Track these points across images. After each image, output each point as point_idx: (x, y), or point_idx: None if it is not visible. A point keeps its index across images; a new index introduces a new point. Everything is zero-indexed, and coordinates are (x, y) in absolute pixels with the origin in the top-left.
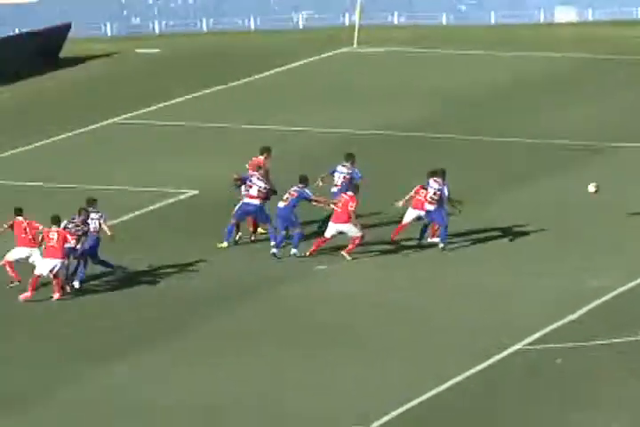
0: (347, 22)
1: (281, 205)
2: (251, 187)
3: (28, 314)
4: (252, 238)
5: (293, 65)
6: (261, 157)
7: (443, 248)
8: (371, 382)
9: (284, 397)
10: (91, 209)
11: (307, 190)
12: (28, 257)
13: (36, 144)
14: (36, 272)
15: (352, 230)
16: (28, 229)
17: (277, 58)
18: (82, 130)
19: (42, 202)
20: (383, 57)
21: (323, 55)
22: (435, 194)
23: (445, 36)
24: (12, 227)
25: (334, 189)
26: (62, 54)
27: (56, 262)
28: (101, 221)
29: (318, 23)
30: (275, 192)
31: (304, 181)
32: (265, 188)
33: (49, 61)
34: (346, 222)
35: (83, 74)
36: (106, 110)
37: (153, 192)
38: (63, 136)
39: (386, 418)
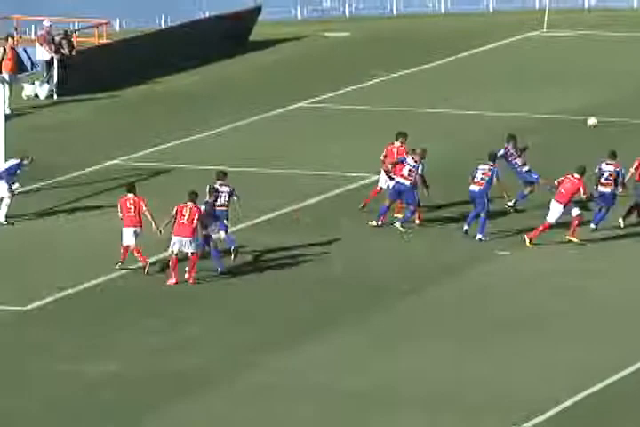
0: (537, 5)
1: (475, 188)
2: (404, 166)
3: (206, 297)
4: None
5: (482, 49)
6: (397, 144)
7: (595, 228)
8: (548, 370)
9: (460, 384)
10: (220, 183)
11: (497, 169)
12: (135, 237)
13: (225, 128)
14: (172, 252)
15: (555, 215)
16: (133, 208)
17: (466, 42)
18: (269, 114)
19: (240, 186)
20: (572, 41)
21: (511, 39)
22: (610, 176)
23: (635, 20)
24: (121, 208)
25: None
26: (251, 37)
27: (185, 241)
28: (234, 197)
29: (508, 6)
30: (427, 186)
31: (494, 158)
32: (415, 167)
33: (238, 45)
34: (566, 205)
35: (271, 57)
36: (294, 94)
37: (338, 176)
38: (250, 120)
39: (562, 407)
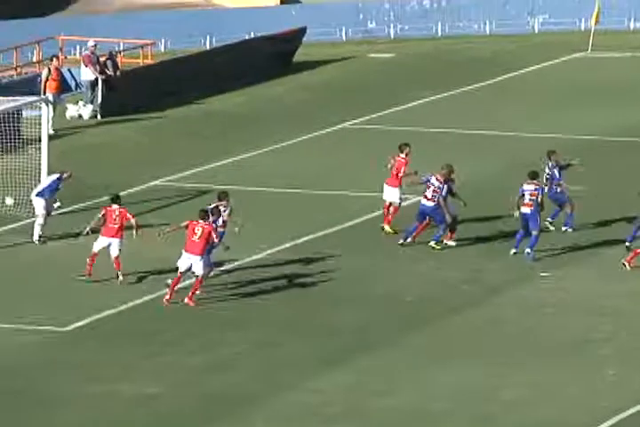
0: (582, 27)
1: (527, 210)
2: (428, 187)
3: (243, 317)
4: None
5: (527, 70)
6: (402, 155)
7: None
8: (587, 392)
9: (497, 406)
10: (218, 203)
11: (542, 187)
12: (107, 247)
13: (269, 148)
14: (180, 270)
15: None
16: (117, 219)
17: (511, 63)
18: (313, 134)
19: (282, 207)
20: (617, 62)
21: (556, 60)
22: None
23: None
24: (104, 216)
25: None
26: (296, 58)
27: (195, 259)
28: (225, 214)
29: (553, 28)
30: (464, 203)
31: (537, 177)
32: (440, 187)
33: (283, 66)
34: None
35: (316, 78)
36: (338, 115)
37: (380, 197)
38: (294, 141)
39: None
